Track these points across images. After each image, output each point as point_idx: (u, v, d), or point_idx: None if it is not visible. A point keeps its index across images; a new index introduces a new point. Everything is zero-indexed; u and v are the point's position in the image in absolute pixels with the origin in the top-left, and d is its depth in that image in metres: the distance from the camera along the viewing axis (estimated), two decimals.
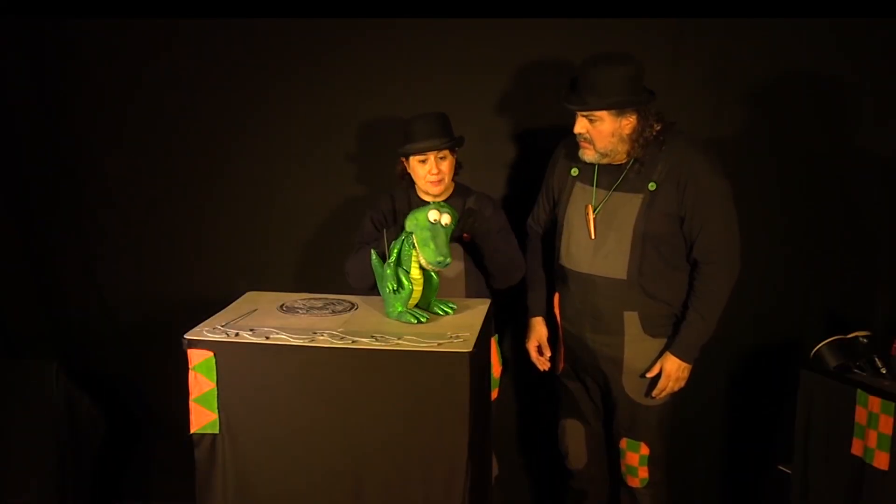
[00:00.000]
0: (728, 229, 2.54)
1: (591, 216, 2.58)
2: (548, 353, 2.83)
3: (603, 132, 2.48)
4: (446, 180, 2.68)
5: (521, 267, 2.75)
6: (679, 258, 2.60)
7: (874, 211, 2.98)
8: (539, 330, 2.83)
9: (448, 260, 2.17)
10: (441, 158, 2.64)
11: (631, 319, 2.61)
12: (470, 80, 3.04)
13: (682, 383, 2.63)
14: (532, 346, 2.86)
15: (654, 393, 2.62)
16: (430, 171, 2.63)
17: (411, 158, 2.65)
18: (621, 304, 2.60)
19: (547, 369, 2.85)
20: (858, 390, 2.44)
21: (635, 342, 2.62)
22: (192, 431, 2.15)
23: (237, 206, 3.27)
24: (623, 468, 2.78)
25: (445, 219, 2.21)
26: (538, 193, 2.85)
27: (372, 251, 2.37)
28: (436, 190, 2.65)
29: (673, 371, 2.59)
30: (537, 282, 2.84)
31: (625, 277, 2.56)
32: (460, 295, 2.64)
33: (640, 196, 2.53)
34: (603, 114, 2.45)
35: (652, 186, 2.52)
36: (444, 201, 2.59)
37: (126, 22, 3.08)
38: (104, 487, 3.34)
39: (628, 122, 2.47)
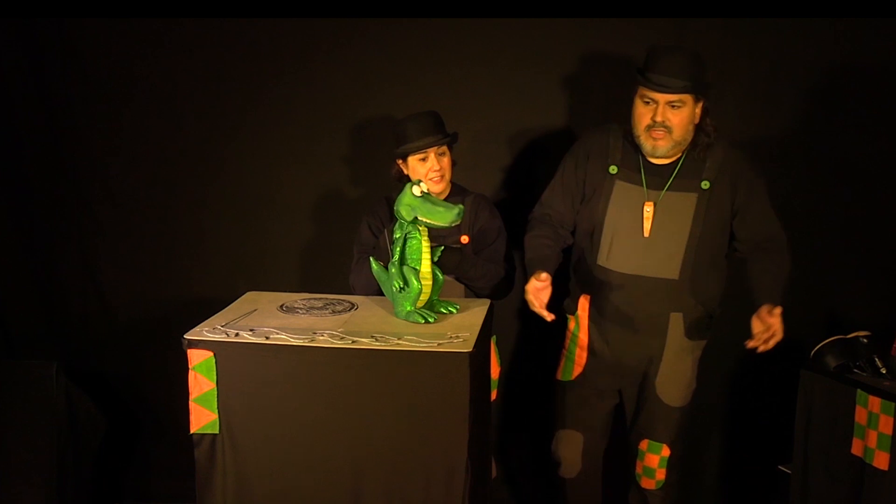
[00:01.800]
0: (776, 217, 2.56)
1: (650, 215, 2.53)
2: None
3: (684, 119, 2.43)
4: (447, 177, 2.68)
5: (506, 287, 2.72)
6: (720, 257, 2.60)
7: (874, 211, 2.98)
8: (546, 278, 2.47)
9: (461, 206, 2.17)
10: (440, 154, 2.64)
11: (676, 321, 2.59)
12: (470, 80, 3.05)
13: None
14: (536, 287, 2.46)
15: (769, 345, 2.43)
16: (431, 169, 2.63)
17: (410, 159, 2.65)
18: (669, 305, 2.57)
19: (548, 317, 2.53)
20: (858, 390, 2.44)
21: (675, 344, 2.61)
22: (192, 431, 2.15)
23: (237, 206, 3.27)
24: (639, 469, 2.76)
25: (423, 186, 2.21)
26: (553, 182, 2.70)
27: (371, 259, 2.37)
28: (437, 188, 2.64)
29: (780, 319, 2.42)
30: (550, 256, 2.60)
31: (677, 277, 2.54)
32: (459, 295, 2.63)
33: (695, 195, 2.51)
34: (687, 98, 2.41)
35: (705, 185, 2.51)
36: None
37: (126, 22, 3.08)
38: (104, 487, 3.34)
39: (698, 112, 2.47)
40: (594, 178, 2.62)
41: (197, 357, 2.11)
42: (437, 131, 2.63)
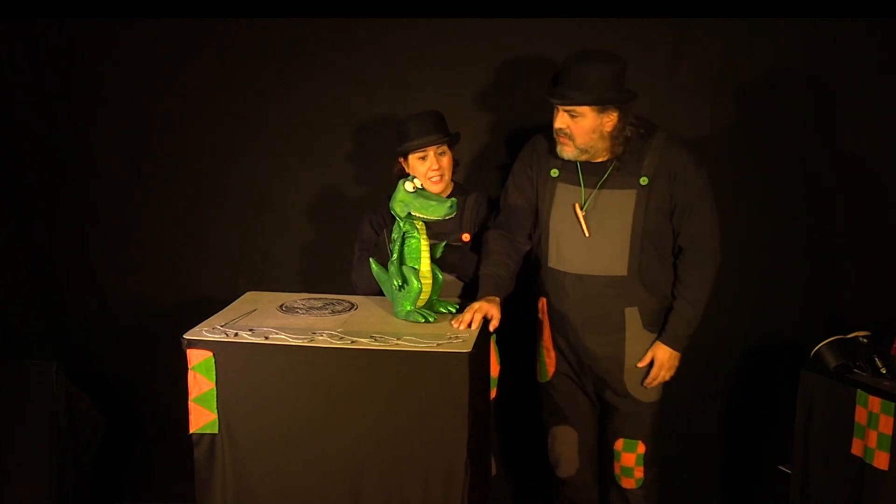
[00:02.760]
0: (713, 219, 2.58)
1: (581, 214, 2.57)
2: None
3: (584, 128, 2.47)
4: (447, 176, 2.68)
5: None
6: (668, 249, 2.62)
7: (874, 211, 2.98)
8: (491, 308, 2.38)
9: (454, 199, 2.21)
10: (440, 154, 2.65)
11: (632, 315, 2.61)
12: (471, 79, 3.04)
13: (673, 372, 2.65)
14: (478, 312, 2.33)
15: (647, 382, 2.63)
16: (430, 168, 2.63)
17: (410, 157, 2.65)
18: (622, 300, 2.60)
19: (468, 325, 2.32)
20: (858, 390, 2.44)
21: (636, 338, 2.63)
22: (191, 431, 2.16)
23: (237, 206, 3.27)
24: (618, 470, 2.77)
25: (417, 182, 2.25)
26: (507, 185, 2.73)
27: (371, 260, 2.37)
28: (437, 188, 2.65)
29: (665, 360, 2.61)
30: (504, 277, 2.55)
31: (626, 274, 2.56)
32: (459, 296, 2.64)
33: (633, 192, 2.54)
34: (585, 109, 2.45)
35: (644, 181, 2.53)
36: None
37: (126, 22, 3.08)
38: (104, 487, 3.34)
39: (609, 120, 2.48)
40: (539, 182, 2.67)
41: (196, 357, 2.11)
42: (437, 130, 2.64)
